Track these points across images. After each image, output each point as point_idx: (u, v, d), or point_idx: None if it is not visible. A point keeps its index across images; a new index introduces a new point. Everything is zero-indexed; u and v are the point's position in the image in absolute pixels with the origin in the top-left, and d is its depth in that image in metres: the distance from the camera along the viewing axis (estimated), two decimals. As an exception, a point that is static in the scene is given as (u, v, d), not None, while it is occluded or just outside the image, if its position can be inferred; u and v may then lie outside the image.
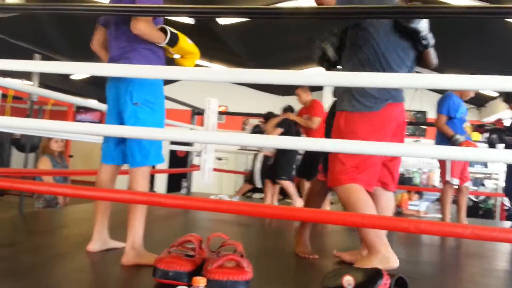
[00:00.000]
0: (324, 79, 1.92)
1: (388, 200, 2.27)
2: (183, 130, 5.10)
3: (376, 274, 1.50)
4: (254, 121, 11.89)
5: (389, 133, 2.12)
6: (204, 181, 5.50)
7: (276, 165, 5.02)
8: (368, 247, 2.05)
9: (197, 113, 5.67)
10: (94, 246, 2.09)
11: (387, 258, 1.99)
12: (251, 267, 1.60)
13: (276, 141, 2.46)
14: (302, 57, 8.94)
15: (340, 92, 2.24)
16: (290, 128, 4.92)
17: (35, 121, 2.30)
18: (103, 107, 3.24)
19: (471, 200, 6.24)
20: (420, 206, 5.28)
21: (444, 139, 3.70)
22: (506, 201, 5.77)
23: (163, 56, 2.08)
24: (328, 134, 2.35)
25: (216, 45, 8.09)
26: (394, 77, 1.74)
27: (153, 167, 2.15)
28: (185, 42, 2.07)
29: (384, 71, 2.08)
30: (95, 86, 10.52)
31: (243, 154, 10.67)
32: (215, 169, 5.62)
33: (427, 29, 2.08)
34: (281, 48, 8.32)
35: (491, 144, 3.96)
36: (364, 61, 2.13)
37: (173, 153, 12.58)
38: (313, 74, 1.85)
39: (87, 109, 12.79)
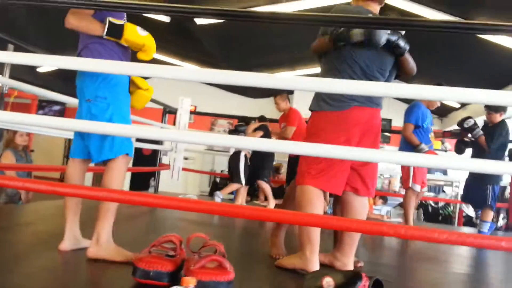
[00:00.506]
0: (293, 84, 1.99)
1: (360, 205, 2.28)
2: (157, 128, 5.06)
3: (355, 275, 1.55)
4: (223, 122, 11.92)
5: (354, 136, 2.16)
6: (173, 180, 5.46)
7: (258, 167, 5.11)
8: (299, 246, 2.14)
9: (169, 111, 5.62)
10: (66, 244, 2.04)
11: (308, 260, 2.07)
12: (232, 267, 1.62)
13: (244, 142, 2.52)
14: (275, 61, 9.04)
15: (313, 97, 2.30)
16: (267, 133, 5.08)
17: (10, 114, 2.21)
18: (71, 100, 3.17)
19: (431, 206, 6.46)
20: (381, 211, 5.44)
21: (408, 147, 3.83)
22: (465, 207, 6.03)
23: (120, 50, 2.03)
24: None
25: (190, 44, 8.05)
26: (356, 84, 1.80)
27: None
28: (133, 33, 1.98)
29: (355, 78, 2.15)
30: (60, 80, 10.23)
31: (209, 154, 10.65)
32: (183, 169, 5.59)
33: (396, 37, 2.13)
34: (256, 51, 8.36)
35: (460, 150, 4.16)
36: (337, 67, 2.20)
37: (138, 152, 12.41)
38: (283, 79, 1.91)
39: (50, 103, 12.43)
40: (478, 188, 4.13)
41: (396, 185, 8.71)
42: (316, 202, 2.13)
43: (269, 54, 8.57)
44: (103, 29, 1.93)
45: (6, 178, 1.86)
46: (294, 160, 4.50)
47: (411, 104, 3.98)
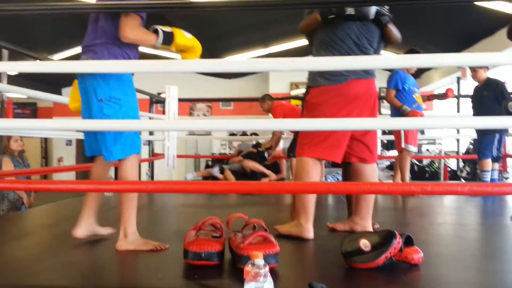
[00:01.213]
0: (269, 66, 2.13)
1: (370, 172, 2.44)
2: (158, 120, 5.12)
3: (389, 234, 1.70)
4: (201, 106, 11.93)
5: (353, 107, 2.30)
6: (169, 168, 5.53)
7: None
8: (295, 215, 2.34)
9: (156, 101, 5.64)
10: (80, 231, 2.14)
11: (303, 228, 2.26)
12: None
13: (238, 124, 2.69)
14: (248, 40, 9.06)
15: (309, 72, 2.43)
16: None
17: (17, 121, 2.26)
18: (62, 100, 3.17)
19: (416, 165, 6.75)
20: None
21: (396, 110, 4.06)
22: (449, 163, 6.37)
23: (134, 55, 2.09)
24: None
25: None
26: (332, 60, 2.05)
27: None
28: (182, 37, 2.10)
29: (349, 51, 2.31)
30: (29, 80, 10.00)
31: (192, 139, 10.70)
32: (178, 156, 5.66)
33: (379, 7, 2.28)
34: (227, 32, 8.36)
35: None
36: (322, 44, 2.36)
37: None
38: (275, 61, 2.06)
39: (21, 105, 12.16)
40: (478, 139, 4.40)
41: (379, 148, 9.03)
42: (312, 172, 2.31)
43: (241, 34, 8.61)
44: (156, 38, 2.01)
45: (31, 182, 1.92)
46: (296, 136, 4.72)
47: (391, 72, 4.19)
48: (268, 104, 5.62)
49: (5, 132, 3.13)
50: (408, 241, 1.76)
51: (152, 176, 5.63)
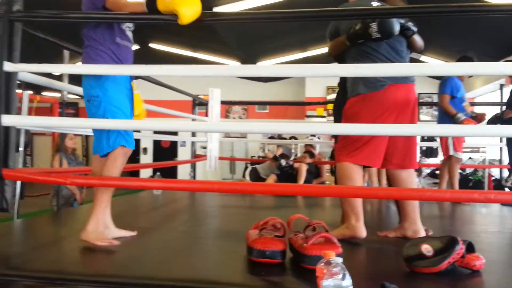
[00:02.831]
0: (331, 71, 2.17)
1: (407, 177, 2.45)
2: (206, 122, 5.25)
3: (452, 240, 1.72)
4: (237, 109, 12.06)
5: (392, 113, 2.33)
6: (211, 169, 5.65)
7: None
8: (343, 216, 2.40)
9: (199, 103, 5.77)
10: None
11: (355, 227, 2.29)
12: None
13: (281, 127, 2.75)
14: (286, 44, 9.11)
15: (349, 84, 2.50)
16: None
17: (83, 120, 2.36)
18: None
19: (460, 173, 6.62)
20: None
21: (445, 117, 4.01)
22: (493, 172, 6.23)
23: (112, 52, 2.13)
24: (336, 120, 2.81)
25: (202, 35, 8.13)
26: (371, 67, 2.08)
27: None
28: (162, 3, 1.98)
29: (378, 60, 2.36)
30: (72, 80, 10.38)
31: (227, 141, 10.82)
32: (220, 158, 5.77)
33: (404, 20, 2.34)
34: (267, 36, 8.44)
35: None
36: (357, 56, 2.41)
37: (157, 145, 12.64)
38: (316, 67, 2.11)
39: (66, 105, 12.58)
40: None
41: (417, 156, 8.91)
42: (353, 176, 2.36)
43: (280, 38, 8.66)
44: (142, 3, 2.02)
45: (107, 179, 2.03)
46: None
47: (445, 77, 4.14)
48: None
49: (63, 130, 3.28)
50: (470, 248, 1.77)
51: (194, 177, 5.75)
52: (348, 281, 1.18)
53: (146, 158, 12.37)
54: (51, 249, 2.14)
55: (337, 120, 2.79)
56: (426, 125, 2.29)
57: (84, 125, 2.00)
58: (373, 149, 2.36)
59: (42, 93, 10.76)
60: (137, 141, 11.90)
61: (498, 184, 6.05)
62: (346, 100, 2.52)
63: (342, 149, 2.42)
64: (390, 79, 2.32)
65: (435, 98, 10.41)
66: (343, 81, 2.90)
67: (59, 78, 3.50)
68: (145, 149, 12.50)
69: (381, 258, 2.10)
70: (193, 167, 5.76)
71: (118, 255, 2.00)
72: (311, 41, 9.10)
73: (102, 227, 2.11)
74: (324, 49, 9.47)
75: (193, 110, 5.81)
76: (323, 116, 10.70)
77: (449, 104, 4.03)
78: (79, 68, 2.02)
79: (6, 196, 2.02)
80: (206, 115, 5.55)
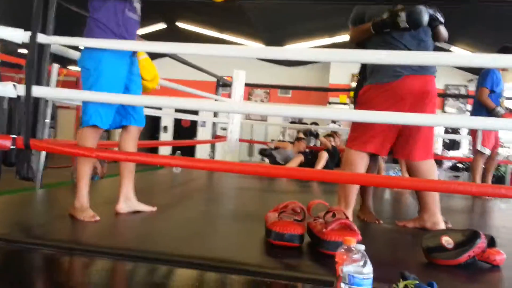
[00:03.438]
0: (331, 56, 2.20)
1: (424, 169, 2.42)
2: (235, 102, 5.26)
3: (474, 234, 1.70)
4: (259, 92, 12.03)
5: (405, 103, 2.30)
6: (231, 150, 5.69)
7: None
8: (423, 208, 2.39)
9: (223, 84, 5.77)
10: (122, 207, 2.26)
11: (437, 220, 2.35)
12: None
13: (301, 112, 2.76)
14: (313, 28, 9.00)
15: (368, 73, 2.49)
16: None
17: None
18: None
19: (482, 168, 6.51)
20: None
21: (482, 110, 3.93)
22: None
23: (112, 23, 2.11)
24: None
25: (230, 16, 8.09)
26: (392, 54, 2.04)
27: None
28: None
29: (398, 49, 2.32)
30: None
31: (247, 124, 10.82)
32: (241, 140, 5.80)
33: (433, 10, 2.30)
34: (294, 19, 8.34)
35: None
36: (378, 45, 2.35)
37: (177, 124, 12.74)
38: (341, 51, 2.08)
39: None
40: None
41: (438, 148, 8.79)
42: (356, 162, 2.40)
43: (306, 22, 8.55)
44: None
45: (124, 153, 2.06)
46: None
47: (486, 69, 4.02)
48: None
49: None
50: (491, 242, 1.76)
51: (213, 157, 5.79)
52: (369, 268, 1.18)
53: (166, 136, 12.48)
54: (70, 220, 2.19)
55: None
56: (437, 116, 2.25)
57: (114, 100, 2.02)
58: (383, 138, 2.37)
59: (68, 67, 10.91)
60: (158, 119, 11.97)
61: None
62: None
63: (353, 136, 2.45)
64: (406, 70, 2.29)
65: (462, 90, 10.20)
66: (364, 69, 2.88)
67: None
68: (165, 127, 12.60)
69: (400, 247, 2.10)
70: (213, 148, 5.80)
71: (138, 229, 2.05)
72: (338, 27, 8.95)
73: (84, 201, 2.12)
74: (351, 35, 9.34)
75: (216, 90, 5.81)
76: (345, 103, 10.58)
77: (487, 97, 3.93)
78: (112, 43, 2.02)
79: (33, 166, 2.08)
80: (229, 97, 5.57)
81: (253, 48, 6.99)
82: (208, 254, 1.73)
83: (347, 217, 1.86)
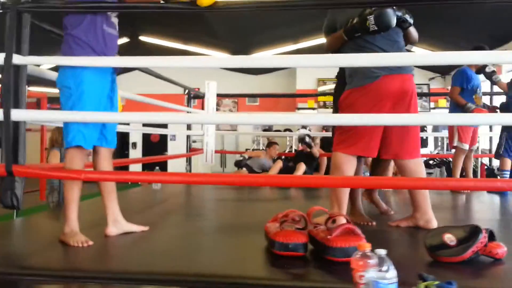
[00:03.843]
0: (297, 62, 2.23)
1: (412, 167, 2.45)
2: (195, 114, 5.18)
3: (475, 229, 1.73)
4: (227, 102, 11.99)
5: (385, 103, 2.33)
6: (207, 163, 5.62)
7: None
8: (415, 206, 2.43)
9: (195, 96, 5.71)
10: (112, 230, 2.16)
11: (429, 218, 2.39)
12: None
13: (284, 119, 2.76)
14: (278, 36, 9.06)
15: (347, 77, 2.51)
16: None
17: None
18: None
19: (450, 162, 6.69)
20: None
21: (457, 108, 4.06)
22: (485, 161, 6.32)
23: (95, 41, 2.05)
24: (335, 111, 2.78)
25: (193, 27, 8.03)
26: (363, 57, 2.06)
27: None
28: None
29: (374, 51, 2.34)
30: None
31: (217, 135, 10.74)
32: (216, 151, 5.73)
33: (401, 12, 2.35)
34: (258, 28, 8.37)
35: None
36: (353, 50, 2.36)
37: (146, 139, 12.50)
38: (309, 57, 2.12)
39: (51, 100, 12.34)
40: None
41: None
42: (344, 165, 2.40)
43: (271, 30, 8.60)
44: None
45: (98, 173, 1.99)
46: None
47: (458, 69, 4.18)
48: None
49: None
50: (491, 236, 1.78)
51: (190, 171, 5.70)
52: (392, 272, 1.17)
53: (136, 153, 12.23)
54: (61, 247, 2.09)
55: (336, 111, 2.77)
56: (418, 115, 2.33)
57: (100, 119, 1.95)
58: (368, 139, 2.38)
59: (29, 88, 10.57)
60: (126, 135, 11.66)
61: (490, 173, 6.14)
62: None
63: (339, 139, 2.46)
64: (384, 70, 2.32)
65: (424, 89, 10.50)
66: (341, 73, 2.91)
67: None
68: (134, 144, 12.36)
69: (400, 247, 2.11)
70: (189, 161, 5.71)
71: (134, 251, 1.97)
72: (303, 32, 9.06)
73: (74, 226, 2.03)
74: (315, 41, 9.45)
75: (188, 102, 5.75)
76: (314, 108, 10.69)
77: (458, 95, 4.06)
78: (92, 60, 1.95)
79: (17, 193, 1.97)
80: (202, 108, 5.51)
81: (225, 57, 6.96)
82: (213, 270, 1.68)
83: (348, 222, 1.85)
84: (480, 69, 4.21)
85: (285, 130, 8.30)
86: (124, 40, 9.46)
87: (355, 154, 2.43)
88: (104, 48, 2.08)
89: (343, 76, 2.68)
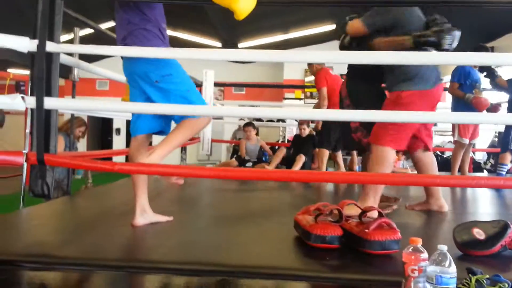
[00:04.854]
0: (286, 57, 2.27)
1: (432, 158, 2.81)
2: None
3: (504, 225, 1.81)
4: (214, 90, 11.91)
5: (434, 106, 2.67)
6: (204, 152, 5.63)
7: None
8: (429, 194, 2.71)
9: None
10: (139, 220, 2.19)
11: (442, 204, 2.72)
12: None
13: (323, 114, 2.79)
14: (269, 26, 9.06)
15: (394, 75, 2.62)
16: None
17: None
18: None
19: (440, 156, 6.89)
20: (404, 165, 5.82)
21: (458, 103, 4.21)
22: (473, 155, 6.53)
23: (161, 33, 2.14)
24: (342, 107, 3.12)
25: (183, 13, 7.93)
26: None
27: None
28: None
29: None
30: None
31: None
32: (213, 140, 5.74)
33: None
34: (249, 17, 8.34)
35: None
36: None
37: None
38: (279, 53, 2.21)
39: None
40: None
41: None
42: (392, 159, 2.62)
43: (260, 20, 8.59)
44: None
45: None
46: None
47: (456, 66, 4.28)
48: (316, 66, 5.03)
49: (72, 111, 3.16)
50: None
51: (185, 160, 5.69)
52: (453, 267, 1.23)
53: (119, 139, 12.10)
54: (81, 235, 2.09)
55: (358, 106, 2.83)
56: (440, 114, 2.53)
57: (131, 110, 1.96)
58: (411, 135, 2.60)
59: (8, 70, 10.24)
60: (109, 121, 11.46)
61: (478, 167, 6.35)
62: (374, 89, 2.86)
63: (388, 135, 2.54)
64: (438, 79, 2.60)
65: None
66: (352, 69, 3.08)
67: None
68: (118, 130, 12.21)
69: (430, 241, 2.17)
70: (184, 150, 5.69)
71: (171, 241, 1.98)
72: (293, 22, 9.09)
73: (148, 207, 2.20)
74: (305, 32, 9.50)
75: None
76: (300, 99, 10.77)
77: (456, 89, 4.19)
78: (134, 50, 1.94)
79: (48, 182, 1.95)
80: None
81: (213, 51, 6.91)
82: (252, 261, 1.72)
83: (382, 216, 1.90)
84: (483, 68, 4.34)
85: (278, 120, 8.32)
86: (109, 24, 9.29)
87: (400, 149, 2.74)
88: (167, 41, 2.19)
89: (353, 72, 3.01)
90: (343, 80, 3.46)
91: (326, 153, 4.76)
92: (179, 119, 2.14)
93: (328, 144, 4.76)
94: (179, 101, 2.09)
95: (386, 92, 2.78)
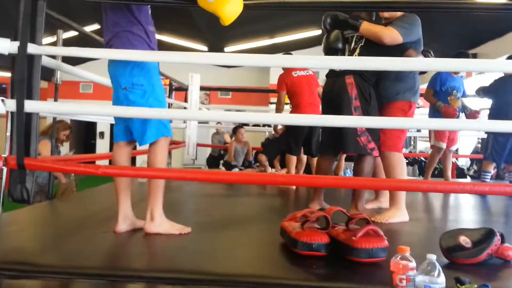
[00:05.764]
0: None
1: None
2: (192, 110, 5.09)
3: (490, 232, 1.81)
4: (200, 94, 11.86)
5: None
6: (189, 156, 5.57)
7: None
8: (394, 203, 2.70)
9: (176, 89, 5.63)
10: (121, 227, 2.14)
11: (404, 213, 2.69)
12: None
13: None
14: (254, 30, 9.06)
15: (393, 85, 2.77)
16: None
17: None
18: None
19: (424, 162, 6.93)
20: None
21: (432, 110, 4.26)
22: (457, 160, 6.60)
23: (148, 37, 2.09)
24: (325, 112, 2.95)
25: (169, 16, 7.90)
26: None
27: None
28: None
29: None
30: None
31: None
32: (198, 144, 5.69)
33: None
34: (235, 22, 8.33)
35: None
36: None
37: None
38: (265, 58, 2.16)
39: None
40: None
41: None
42: (405, 164, 2.86)
43: (246, 24, 8.59)
44: None
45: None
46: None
47: (435, 73, 4.33)
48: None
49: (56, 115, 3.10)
50: (502, 239, 1.87)
51: (170, 164, 5.63)
52: (442, 277, 1.22)
53: (103, 143, 11.95)
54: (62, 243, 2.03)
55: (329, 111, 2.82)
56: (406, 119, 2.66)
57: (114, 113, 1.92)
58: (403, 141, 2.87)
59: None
60: (93, 125, 11.34)
61: (461, 173, 6.41)
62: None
63: (394, 141, 2.73)
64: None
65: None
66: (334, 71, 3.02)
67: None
68: (101, 133, 12.06)
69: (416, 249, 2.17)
70: (169, 154, 5.63)
71: (154, 248, 1.94)
72: (279, 27, 9.11)
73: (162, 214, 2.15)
74: (291, 37, 9.52)
75: (169, 94, 5.67)
76: (286, 103, 10.74)
77: (430, 96, 4.23)
78: (116, 53, 1.90)
79: (27, 187, 1.90)
80: (185, 100, 5.46)
81: (211, 55, 6.88)
82: (234, 270, 1.68)
83: (369, 223, 1.89)
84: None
85: (264, 125, 8.26)
86: (94, 27, 9.19)
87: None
88: (153, 45, 2.13)
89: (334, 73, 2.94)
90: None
91: (293, 159, 4.56)
92: (141, 142, 2.10)
93: (296, 150, 4.52)
94: (136, 120, 2.07)
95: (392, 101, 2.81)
